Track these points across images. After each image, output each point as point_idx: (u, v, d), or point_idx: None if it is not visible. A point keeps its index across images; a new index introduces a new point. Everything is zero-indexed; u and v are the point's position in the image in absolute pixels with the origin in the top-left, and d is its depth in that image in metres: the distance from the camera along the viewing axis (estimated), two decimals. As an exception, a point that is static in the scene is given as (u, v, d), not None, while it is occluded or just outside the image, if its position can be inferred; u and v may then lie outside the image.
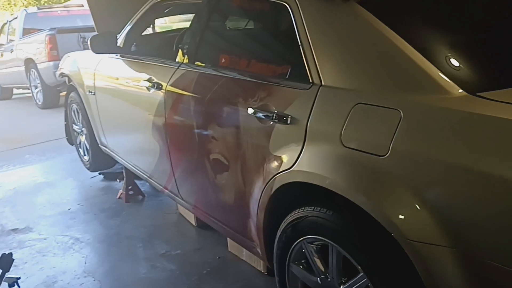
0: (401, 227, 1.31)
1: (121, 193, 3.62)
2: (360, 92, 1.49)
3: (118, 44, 2.99)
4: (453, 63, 1.41)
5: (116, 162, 3.65)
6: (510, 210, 1.13)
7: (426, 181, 1.28)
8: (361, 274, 1.48)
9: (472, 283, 1.21)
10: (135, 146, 3.09)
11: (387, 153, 1.34)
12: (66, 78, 3.95)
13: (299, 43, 1.71)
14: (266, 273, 2.46)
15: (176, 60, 2.43)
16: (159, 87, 2.46)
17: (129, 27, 3.03)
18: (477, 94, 1.28)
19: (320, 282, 1.68)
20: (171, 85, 2.38)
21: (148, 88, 2.56)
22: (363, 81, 1.52)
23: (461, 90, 1.30)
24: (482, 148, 1.19)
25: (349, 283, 1.55)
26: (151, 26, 3.52)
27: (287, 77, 1.78)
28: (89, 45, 2.93)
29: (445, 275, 1.24)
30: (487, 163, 1.16)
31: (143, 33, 3.19)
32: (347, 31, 1.62)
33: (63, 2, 18.05)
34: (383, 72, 1.49)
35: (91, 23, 4.01)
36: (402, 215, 1.31)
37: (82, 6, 8.81)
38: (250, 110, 1.82)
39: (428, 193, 1.28)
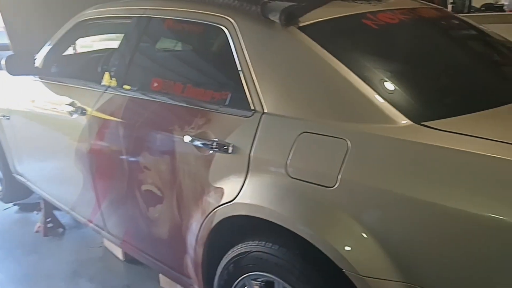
0: (351, 262, 1.26)
1: (39, 226, 3.31)
2: (305, 120, 1.44)
3: (36, 65, 2.75)
4: (397, 92, 1.41)
5: (33, 192, 3.35)
6: (458, 241, 1.12)
7: (375, 213, 1.25)
8: (310, 311, 1.41)
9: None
10: (55, 175, 2.84)
11: (335, 184, 1.29)
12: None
13: (239, 69, 1.64)
14: (202, 309, 2.32)
15: (102, 83, 2.26)
16: (83, 112, 2.27)
17: (49, 47, 2.80)
18: (422, 123, 1.28)
19: (265, 321, 1.58)
20: (96, 110, 2.20)
21: (70, 113, 2.36)
22: (308, 109, 1.47)
23: (406, 120, 1.29)
24: (427, 178, 1.18)
25: (297, 321, 1.47)
26: (76, 46, 3.31)
27: (226, 103, 1.69)
28: (3, 66, 2.66)
29: (400, 311, 1.20)
30: (434, 194, 1.15)
31: (65, 54, 2.97)
32: (289, 57, 1.57)
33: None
34: (328, 100, 1.45)
35: (3, 41, 3.71)
36: (352, 249, 1.26)
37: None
38: (187, 138, 1.70)
39: (377, 225, 1.24)
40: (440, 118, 1.29)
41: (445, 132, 1.23)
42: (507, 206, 1.06)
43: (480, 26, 2.01)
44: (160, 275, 2.52)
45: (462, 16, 3.37)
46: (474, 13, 3.70)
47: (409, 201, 1.18)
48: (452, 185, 1.14)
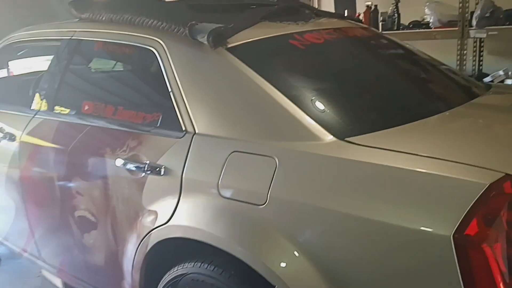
0: (284, 278, 1.28)
1: (-29, 259, 3.12)
2: (235, 140, 1.45)
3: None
4: (322, 109, 1.46)
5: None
6: (383, 252, 1.16)
7: (305, 229, 1.28)
8: (247, 331, 1.41)
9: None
10: (-15, 204, 2.69)
11: (265, 202, 1.31)
12: None
13: (169, 90, 1.64)
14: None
15: (32, 108, 2.19)
16: (11, 138, 2.18)
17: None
18: (346, 139, 1.32)
19: None
20: (26, 135, 2.12)
21: (-1, 139, 2.26)
22: (237, 129, 1.49)
23: (330, 136, 1.33)
24: (354, 193, 1.22)
25: None
26: (5, 69, 3.17)
27: (158, 125, 1.68)
28: None
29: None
30: (360, 208, 1.19)
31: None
32: (218, 77, 1.59)
33: None
34: (256, 119, 1.48)
35: None
36: (283, 265, 1.28)
37: None
38: (119, 162, 1.67)
39: (307, 241, 1.27)
40: (363, 133, 1.35)
41: (366, 147, 1.28)
42: (424, 216, 1.11)
43: (404, 44, 2.11)
44: (102, 303, 2.44)
45: (391, 33, 3.54)
46: (403, 30, 3.88)
47: (335, 215, 1.21)
48: (374, 199, 1.18)
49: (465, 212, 1.05)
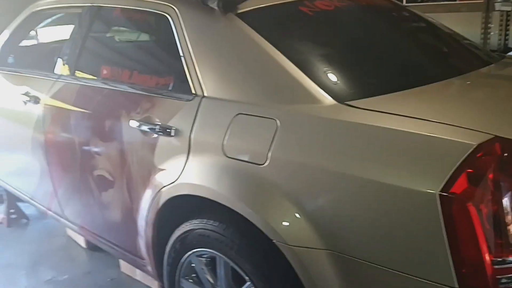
0: (280, 233, 1.34)
1: (3, 218, 3.30)
2: (240, 103, 1.51)
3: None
4: (324, 74, 1.49)
5: (-5, 184, 3.34)
6: (375, 210, 1.21)
7: (302, 188, 1.33)
8: (248, 283, 1.49)
9: (347, 282, 1.27)
10: (15, 166, 2.85)
11: (265, 162, 1.37)
12: None
13: (181, 55, 1.70)
14: (160, 291, 2.39)
15: (55, 72, 2.29)
16: (36, 100, 2.30)
17: (4, 38, 2.80)
18: (346, 102, 1.36)
19: (210, 295, 1.66)
20: (49, 98, 2.23)
21: (24, 102, 2.38)
22: (243, 92, 1.54)
23: (330, 99, 1.37)
24: (350, 153, 1.27)
25: (237, 293, 1.55)
26: (31, 36, 3.29)
27: (170, 88, 1.75)
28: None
29: (323, 276, 1.29)
30: (355, 168, 1.23)
31: (21, 44, 2.97)
32: (226, 43, 1.64)
33: None
34: (261, 83, 1.52)
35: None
36: (281, 221, 1.34)
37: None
38: (133, 123, 1.76)
39: (304, 199, 1.32)
40: (363, 98, 1.38)
41: (366, 111, 1.32)
42: (413, 175, 1.15)
43: (412, 10, 2.10)
44: (120, 260, 2.57)
45: (414, 5, 3.48)
46: (427, 2, 3.81)
47: (329, 174, 1.26)
48: (373, 160, 1.22)
49: (452, 171, 1.08)
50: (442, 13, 3.56)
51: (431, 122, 1.22)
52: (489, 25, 3.56)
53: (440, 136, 1.15)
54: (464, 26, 2.84)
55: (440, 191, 1.08)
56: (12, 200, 3.28)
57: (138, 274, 2.49)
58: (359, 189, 1.22)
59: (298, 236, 1.31)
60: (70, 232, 3.03)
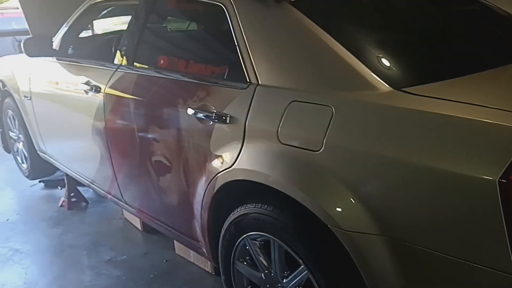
0: (336, 219, 1.36)
1: (63, 201, 3.50)
2: (294, 90, 1.54)
3: (53, 47, 2.90)
4: (380, 60, 1.49)
5: (57, 169, 3.54)
6: (433, 197, 1.21)
7: (358, 174, 1.35)
8: (302, 266, 1.53)
9: (402, 267, 1.28)
10: (76, 152, 3.01)
11: (321, 148, 1.39)
12: (0, 83, 3.78)
13: (236, 44, 1.74)
14: (214, 274, 2.47)
15: (115, 62, 2.40)
16: (97, 90, 2.41)
17: (65, 29, 2.95)
18: (402, 89, 1.36)
19: (264, 278, 1.72)
20: (109, 88, 2.34)
21: (86, 92, 2.51)
22: (298, 80, 1.57)
23: (387, 86, 1.38)
24: (407, 140, 1.26)
25: (291, 276, 1.60)
26: (90, 28, 3.43)
27: (225, 77, 1.80)
28: (22, 48, 2.82)
29: (378, 261, 1.31)
30: (413, 154, 1.23)
31: (80, 35, 3.11)
32: (281, 31, 1.67)
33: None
34: (316, 70, 1.54)
35: (24, 26, 3.85)
36: (336, 206, 1.37)
37: (18, 8, 8.41)
38: (190, 111, 1.82)
39: (360, 185, 1.34)
40: (420, 84, 1.37)
41: (423, 97, 1.31)
42: (472, 162, 1.14)
43: None
44: (176, 243, 2.68)
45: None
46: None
47: (390, 161, 1.27)
48: (431, 146, 1.22)
49: None
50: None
51: (489, 109, 1.20)
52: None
53: (499, 123, 1.13)
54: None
55: (500, 178, 1.07)
56: (72, 184, 3.46)
57: (192, 256, 2.59)
58: (416, 176, 1.23)
59: (353, 222, 1.33)
60: (127, 215, 3.18)
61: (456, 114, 1.21)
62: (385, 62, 1.49)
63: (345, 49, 1.49)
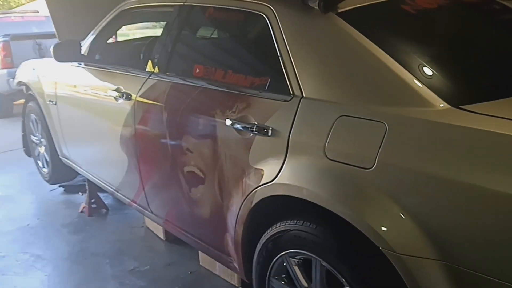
0: (388, 240, 1.30)
1: (84, 207, 3.48)
2: (342, 104, 1.48)
3: (82, 53, 2.88)
4: (435, 76, 1.43)
5: (78, 174, 3.51)
6: (494, 221, 1.15)
7: (412, 194, 1.29)
8: (347, 287, 1.46)
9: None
10: (101, 158, 2.98)
11: (373, 166, 1.34)
12: (24, 87, 3.78)
13: (278, 55, 1.69)
14: (240, 287, 2.41)
15: (146, 70, 2.36)
16: (128, 97, 2.38)
17: (94, 35, 2.93)
18: (460, 107, 1.30)
19: (302, 297, 1.65)
20: (141, 96, 2.30)
21: (116, 98, 2.48)
22: (345, 94, 1.51)
23: (443, 103, 1.32)
24: (465, 160, 1.21)
25: (334, 297, 1.53)
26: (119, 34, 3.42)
27: (266, 88, 1.75)
28: (51, 53, 2.81)
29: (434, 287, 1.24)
30: (471, 175, 1.18)
31: (110, 41, 3.09)
32: (327, 43, 1.62)
33: (14, 8, 17.37)
34: (365, 85, 1.49)
35: (47, 29, 3.85)
36: (389, 228, 1.31)
37: (38, 12, 8.48)
38: (228, 122, 1.78)
39: (414, 205, 1.28)
40: (478, 102, 1.31)
41: (484, 116, 1.25)
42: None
43: None
44: (200, 254, 2.63)
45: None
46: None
47: (447, 183, 1.21)
48: (491, 168, 1.16)
49: None
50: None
51: None
52: None
53: None
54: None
55: None
56: (93, 190, 3.43)
57: (217, 269, 2.54)
58: (478, 199, 1.16)
59: (407, 245, 1.27)
60: (149, 224, 3.14)
61: (522, 135, 1.15)
62: (441, 77, 1.43)
63: (396, 63, 1.43)
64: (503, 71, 1.55)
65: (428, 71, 1.44)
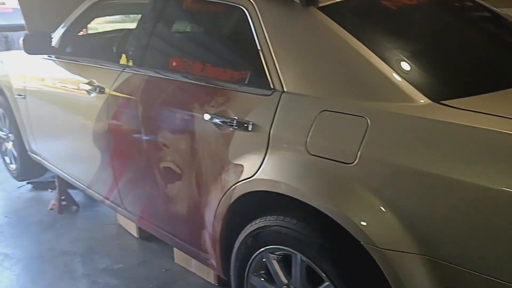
0: (369, 235, 1.30)
1: (54, 204, 3.37)
2: (324, 99, 1.47)
3: (53, 45, 2.79)
4: (416, 71, 1.44)
5: (47, 170, 3.41)
6: (474, 214, 1.16)
7: (393, 188, 1.29)
8: (327, 283, 1.46)
9: (443, 288, 1.23)
10: (72, 154, 2.89)
11: (354, 161, 1.33)
12: (-10, 81, 3.64)
13: (259, 48, 1.67)
14: (216, 285, 2.38)
15: (120, 63, 2.30)
16: (101, 90, 2.31)
17: (65, 27, 2.83)
18: (441, 102, 1.31)
19: (282, 293, 1.64)
20: (115, 89, 2.24)
21: (88, 92, 2.40)
22: (327, 88, 1.50)
23: (424, 98, 1.32)
24: (445, 155, 1.21)
25: (314, 293, 1.53)
26: (91, 26, 3.33)
27: (246, 82, 1.72)
28: (21, 45, 2.70)
29: (415, 282, 1.25)
30: (451, 169, 1.18)
31: (81, 34, 3.00)
32: (308, 37, 1.60)
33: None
34: (347, 79, 1.48)
35: (14, 21, 3.72)
36: (370, 222, 1.31)
37: (4, 4, 8.20)
38: (207, 116, 1.74)
39: (395, 200, 1.28)
40: (459, 97, 1.33)
41: (464, 111, 1.26)
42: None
43: (496, 9, 2.02)
44: (175, 251, 2.58)
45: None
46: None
47: (427, 176, 1.21)
48: (470, 161, 1.17)
49: None
50: (505, 8, 3.41)
51: None
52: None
53: None
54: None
55: None
56: (63, 186, 3.33)
57: (193, 266, 2.50)
58: (459, 193, 1.17)
59: (389, 239, 1.27)
60: (122, 221, 3.07)
61: (500, 129, 1.16)
62: (422, 73, 1.44)
63: (378, 58, 1.43)
64: (483, 67, 1.57)
65: (409, 66, 1.44)
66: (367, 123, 1.34)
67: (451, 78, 1.47)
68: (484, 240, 1.15)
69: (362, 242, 1.32)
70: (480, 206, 1.14)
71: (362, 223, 1.31)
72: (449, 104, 1.29)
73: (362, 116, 1.35)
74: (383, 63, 1.41)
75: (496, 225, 1.13)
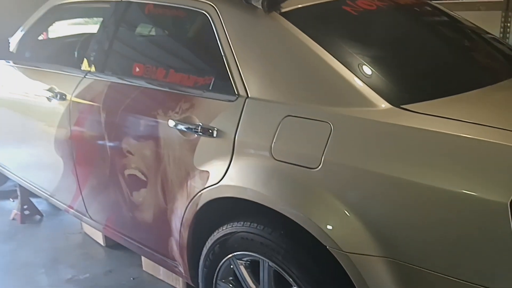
0: (334, 239, 1.32)
1: (15, 214, 3.26)
2: (288, 104, 1.48)
3: (10, 50, 2.70)
4: (377, 77, 1.46)
5: (8, 179, 3.29)
6: (430, 215, 1.19)
7: (356, 192, 1.31)
8: (294, 287, 1.47)
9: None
10: (33, 162, 2.81)
11: (319, 165, 1.34)
12: None
13: (222, 54, 1.66)
14: (185, 291, 2.36)
15: (81, 69, 2.25)
16: (62, 97, 2.25)
17: (23, 31, 2.75)
18: (401, 106, 1.34)
19: (250, 299, 1.64)
20: (76, 96, 2.19)
21: (49, 99, 2.34)
22: (291, 94, 1.51)
23: (385, 103, 1.35)
24: (405, 158, 1.24)
25: (282, 298, 1.53)
26: (51, 30, 3.24)
27: (210, 88, 1.71)
28: (-24, 51, 2.61)
29: (380, 284, 1.27)
30: (411, 172, 1.21)
31: (41, 38, 2.92)
32: (271, 42, 1.61)
33: None
34: (310, 85, 1.49)
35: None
36: (334, 226, 1.32)
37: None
38: (172, 123, 1.73)
39: (358, 203, 1.30)
40: (419, 101, 1.36)
41: (423, 115, 1.29)
42: (480, 183, 1.13)
43: (453, 13, 2.09)
44: (143, 259, 2.54)
45: (436, 2, 3.46)
46: (444, 0, 3.78)
47: (390, 180, 1.24)
48: (430, 165, 1.20)
49: None
50: (460, 11, 3.52)
51: (494, 129, 1.19)
52: (508, 24, 3.53)
53: (507, 144, 1.12)
54: (483, 25, 2.79)
55: (511, 201, 1.06)
56: (25, 195, 3.23)
57: (161, 274, 2.47)
58: (419, 196, 1.20)
59: (353, 243, 1.29)
60: (87, 229, 3.00)
61: (460, 134, 1.19)
62: (383, 78, 1.47)
63: (340, 63, 1.45)
64: (442, 71, 1.61)
65: (370, 71, 1.47)
66: (331, 128, 1.35)
67: (411, 83, 1.50)
68: (441, 240, 1.18)
69: (327, 246, 1.33)
70: (436, 208, 1.17)
71: (327, 227, 1.33)
72: (409, 109, 1.32)
73: (325, 121, 1.37)
74: (345, 68, 1.43)
75: (451, 226, 1.16)
